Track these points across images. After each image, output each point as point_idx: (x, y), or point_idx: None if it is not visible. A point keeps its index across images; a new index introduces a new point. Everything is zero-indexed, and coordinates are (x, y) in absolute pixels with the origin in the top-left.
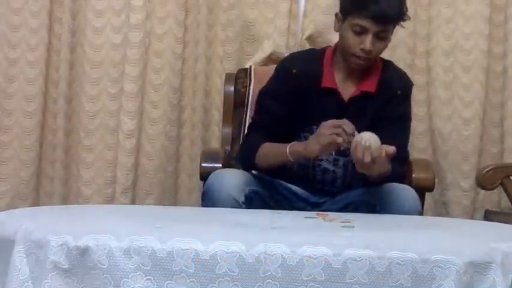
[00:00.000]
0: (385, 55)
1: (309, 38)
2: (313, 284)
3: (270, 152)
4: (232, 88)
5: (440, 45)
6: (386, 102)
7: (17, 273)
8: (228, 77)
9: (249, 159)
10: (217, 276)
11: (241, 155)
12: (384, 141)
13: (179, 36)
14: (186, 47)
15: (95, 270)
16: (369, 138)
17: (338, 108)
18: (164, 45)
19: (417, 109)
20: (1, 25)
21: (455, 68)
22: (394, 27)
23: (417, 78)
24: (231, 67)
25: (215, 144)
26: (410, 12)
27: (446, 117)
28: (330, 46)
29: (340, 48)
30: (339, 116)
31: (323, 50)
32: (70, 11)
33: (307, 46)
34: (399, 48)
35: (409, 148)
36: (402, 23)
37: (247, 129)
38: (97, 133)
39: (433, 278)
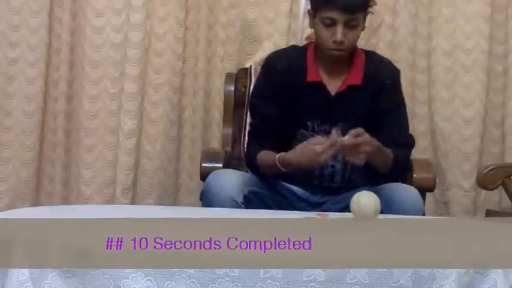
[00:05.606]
0: (386, 55)
1: (309, 38)
2: (313, 284)
3: (265, 164)
4: (232, 88)
5: (441, 45)
6: (376, 93)
7: (16, 274)
8: (229, 77)
9: (257, 172)
10: (218, 277)
11: (250, 168)
12: (385, 132)
13: (179, 36)
14: (187, 47)
15: (95, 270)
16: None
17: (325, 102)
18: (164, 45)
19: (418, 109)
20: (1, 25)
21: (456, 68)
22: (364, 14)
23: (418, 78)
24: (231, 67)
25: (215, 144)
26: (411, 11)
27: (447, 117)
28: (312, 42)
29: (318, 44)
30: (327, 111)
31: (306, 46)
32: (70, 10)
33: None
34: (400, 48)
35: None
36: (370, 8)
37: (248, 137)
38: (97, 133)
39: (433, 279)
